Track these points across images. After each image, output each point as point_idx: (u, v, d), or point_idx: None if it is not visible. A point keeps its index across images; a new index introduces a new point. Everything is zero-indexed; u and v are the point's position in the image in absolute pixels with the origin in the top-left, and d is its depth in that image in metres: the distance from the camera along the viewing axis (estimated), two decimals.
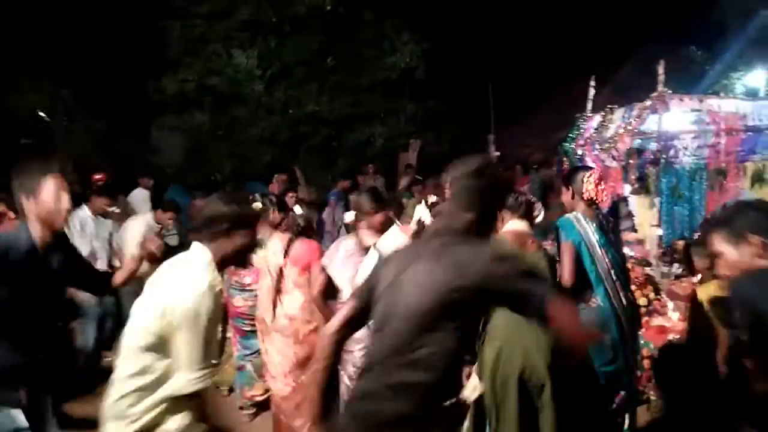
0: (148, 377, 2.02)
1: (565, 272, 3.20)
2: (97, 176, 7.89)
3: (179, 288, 2.02)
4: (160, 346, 2.02)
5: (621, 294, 3.27)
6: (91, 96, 11.38)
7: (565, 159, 6.77)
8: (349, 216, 3.58)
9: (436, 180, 9.37)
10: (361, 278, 2.96)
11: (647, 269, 4.96)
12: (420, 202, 5.35)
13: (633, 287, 4.66)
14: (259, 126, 12.02)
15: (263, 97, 11.86)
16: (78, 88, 11.29)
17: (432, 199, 3.61)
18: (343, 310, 1.99)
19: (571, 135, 6.28)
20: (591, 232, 3.27)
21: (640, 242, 5.34)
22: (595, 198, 3.34)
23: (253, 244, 2.31)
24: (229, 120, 12.11)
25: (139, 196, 7.91)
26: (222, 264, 2.18)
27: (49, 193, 2.53)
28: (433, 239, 1.87)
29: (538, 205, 3.54)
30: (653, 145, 5.18)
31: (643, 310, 4.41)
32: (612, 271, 3.25)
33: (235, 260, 2.24)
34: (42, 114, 10.99)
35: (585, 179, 3.34)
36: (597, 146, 5.73)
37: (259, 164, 12.14)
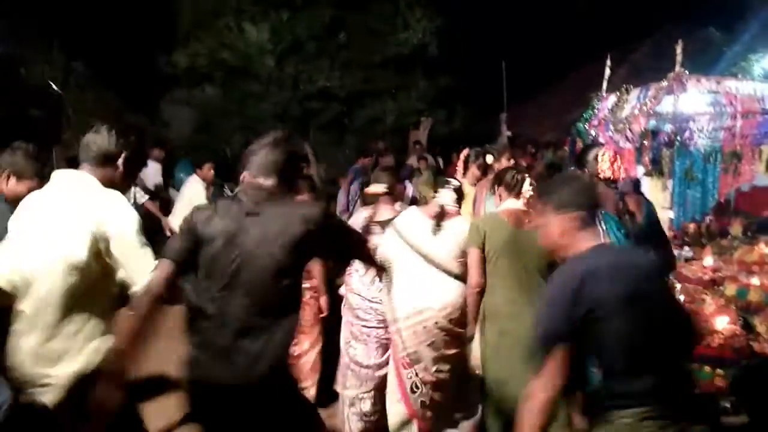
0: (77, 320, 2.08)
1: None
2: None
3: (104, 208, 2.10)
4: (88, 283, 2.08)
5: None
6: (103, 69, 11.36)
7: (578, 139, 6.70)
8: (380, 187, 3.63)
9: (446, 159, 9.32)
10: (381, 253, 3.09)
11: None
12: (427, 180, 5.35)
13: None
14: (269, 101, 11.99)
15: (274, 72, 11.81)
16: (89, 60, 11.27)
17: (453, 182, 3.56)
18: None
19: (585, 115, 6.20)
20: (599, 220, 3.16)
21: None
22: (611, 176, 3.24)
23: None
24: (240, 95, 12.09)
25: (151, 168, 7.92)
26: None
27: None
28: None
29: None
30: (668, 127, 5.11)
31: None
32: None
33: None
34: (53, 86, 10.99)
35: (600, 157, 3.25)
36: (611, 127, 5.66)
37: None
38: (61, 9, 10.73)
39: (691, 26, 11.16)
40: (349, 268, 3.70)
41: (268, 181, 2.15)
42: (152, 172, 7.83)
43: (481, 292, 3.20)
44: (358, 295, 3.58)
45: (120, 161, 2.25)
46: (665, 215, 5.17)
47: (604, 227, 3.06)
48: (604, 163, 3.22)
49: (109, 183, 2.21)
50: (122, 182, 2.29)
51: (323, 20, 11.76)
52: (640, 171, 5.51)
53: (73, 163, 2.36)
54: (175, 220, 4.61)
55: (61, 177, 2.23)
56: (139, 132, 2.44)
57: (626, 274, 1.89)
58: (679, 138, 5.06)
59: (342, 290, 3.87)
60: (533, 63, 13.68)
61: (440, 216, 3.35)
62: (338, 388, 3.70)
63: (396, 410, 3.34)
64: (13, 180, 2.77)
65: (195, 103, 12.40)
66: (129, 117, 12.09)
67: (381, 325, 3.51)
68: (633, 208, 3.21)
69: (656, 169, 5.27)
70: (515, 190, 3.30)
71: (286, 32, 11.64)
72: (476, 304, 3.23)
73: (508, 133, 12.06)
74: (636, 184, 5.68)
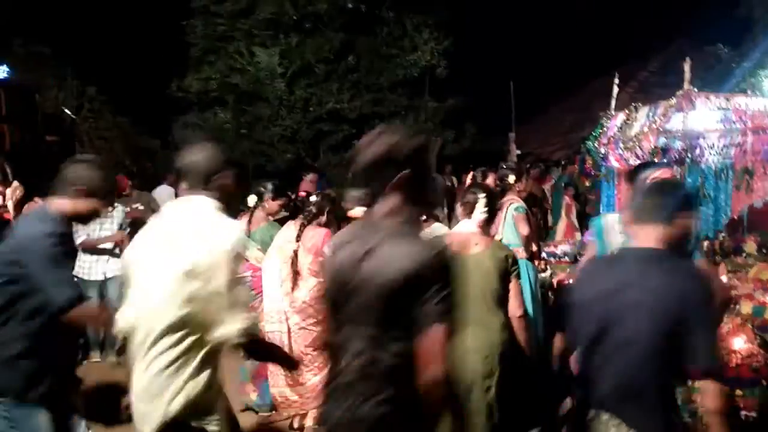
0: (180, 350, 1.94)
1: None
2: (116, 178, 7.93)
3: (206, 238, 1.93)
4: (189, 316, 1.92)
5: None
6: (116, 94, 11.56)
7: (587, 158, 6.69)
8: None
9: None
10: None
11: None
12: None
13: None
14: (280, 124, 12.11)
15: (285, 95, 11.94)
16: (103, 86, 11.47)
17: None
18: None
19: (594, 133, 6.20)
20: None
21: None
22: None
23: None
24: (251, 118, 12.22)
25: (165, 192, 7.99)
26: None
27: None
28: None
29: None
30: (678, 144, 5.09)
31: None
32: None
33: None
34: (67, 111, 11.17)
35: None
36: (621, 145, 5.65)
37: (281, 162, 12.24)
38: (74, 36, 10.95)
39: (700, 43, 11.19)
40: None
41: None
42: (165, 197, 7.90)
43: None
44: None
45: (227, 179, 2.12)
46: None
47: None
48: None
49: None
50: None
51: (332, 44, 11.91)
52: None
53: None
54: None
55: (177, 204, 2.13)
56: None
57: None
58: (689, 155, 5.04)
59: None
60: (541, 82, 13.76)
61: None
62: None
63: None
64: None
65: (207, 127, 12.53)
66: (142, 141, 12.28)
67: None
68: None
69: None
70: (468, 211, 3.20)
71: (296, 56, 11.80)
72: None
73: (518, 152, 12.09)
74: None
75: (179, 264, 1.91)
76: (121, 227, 5.49)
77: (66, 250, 2.35)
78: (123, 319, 2.05)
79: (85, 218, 2.50)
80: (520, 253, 4.17)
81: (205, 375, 1.97)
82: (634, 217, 2.08)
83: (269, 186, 4.85)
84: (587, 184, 8.47)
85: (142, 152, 11.87)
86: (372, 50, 12.44)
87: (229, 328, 1.91)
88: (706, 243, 4.99)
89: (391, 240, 1.68)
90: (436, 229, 3.50)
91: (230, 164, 2.14)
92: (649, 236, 1.98)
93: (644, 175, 3.09)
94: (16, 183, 4.55)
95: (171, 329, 1.92)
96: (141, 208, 6.12)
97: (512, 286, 3.07)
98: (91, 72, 11.30)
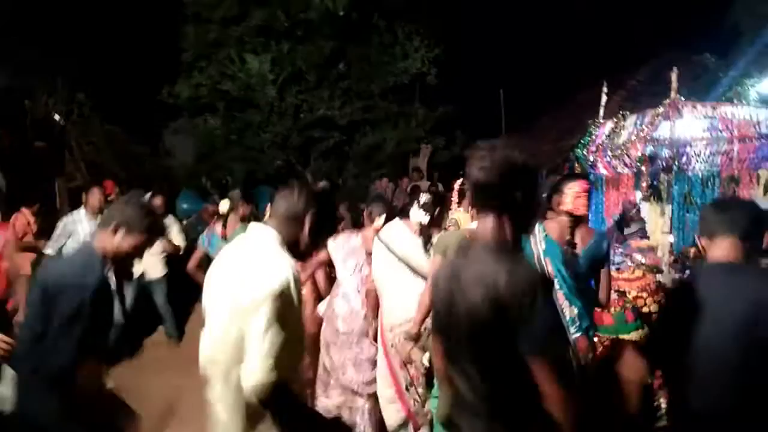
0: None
1: None
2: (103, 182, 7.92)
3: (261, 273, 1.88)
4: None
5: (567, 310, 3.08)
6: (106, 100, 11.49)
7: (576, 165, 6.75)
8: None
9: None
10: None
11: (659, 276, 4.93)
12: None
13: (644, 294, 4.65)
14: (271, 130, 12.11)
15: (275, 101, 11.94)
16: (92, 92, 11.40)
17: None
18: None
19: (582, 141, 6.27)
20: (540, 249, 3.12)
21: (652, 249, 5.31)
22: (571, 210, 3.14)
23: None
24: (242, 124, 12.21)
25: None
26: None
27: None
28: None
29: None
30: (666, 152, 5.16)
31: (654, 316, 4.39)
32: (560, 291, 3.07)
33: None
34: (57, 117, 11.10)
35: (566, 190, 3.15)
36: (609, 153, 5.71)
37: (271, 169, 12.24)
38: (64, 41, 10.90)
39: (687, 52, 11.29)
40: (336, 289, 3.85)
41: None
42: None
43: None
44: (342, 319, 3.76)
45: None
46: (665, 240, 5.19)
47: (548, 255, 3.07)
48: (568, 196, 3.18)
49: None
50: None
51: (324, 51, 11.93)
52: (638, 196, 5.55)
53: (76, 194, 2.36)
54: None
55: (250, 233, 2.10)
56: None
57: None
58: (676, 163, 5.10)
59: (321, 311, 3.99)
60: (530, 90, 13.83)
61: (423, 231, 3.57)
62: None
63: (391, 413, 3.53)
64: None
65: (197, 133, 12.51)
66: (131, 147, 12.22)
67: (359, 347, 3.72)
68: (577, 239, 3.19)
69: (655, 194, 5.31)
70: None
71: (287, 63, 11.80)
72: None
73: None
74: (635, 209, 5.73)
75: (234, 300, 1.90)
76: None
77: None
78: (202, 350, 2.05)
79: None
80: None
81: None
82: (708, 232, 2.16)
83: (237, 193, 5.40)
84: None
85: (132, 158, 11.80)
86: (363, 58, 12.47)
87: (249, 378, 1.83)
88: (692, 249, 5.05)
89: (494, 263, 1.65)
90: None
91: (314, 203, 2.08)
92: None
93: (566, 187, 3.16)
94: None
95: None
96: None
97: None
98: (81, 77, 11.22)
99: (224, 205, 5.36)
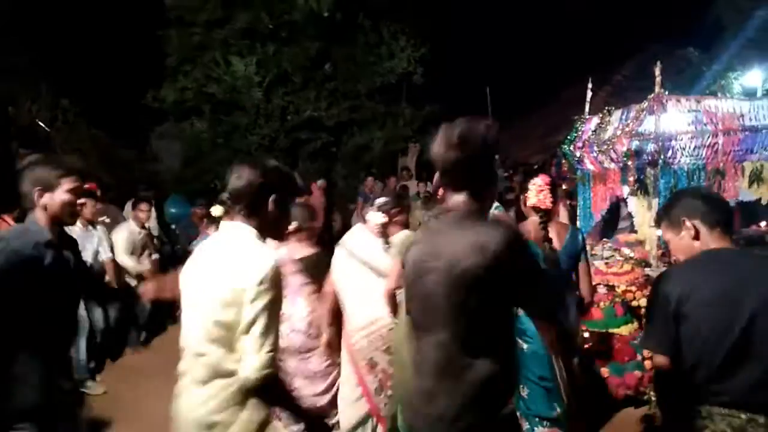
0: (222, 378, 1.90)
1: None
2: (87, 185, 7.86)
3: (246, 264, 1.87)
4: (230, 340, 1.87)
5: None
6: (91, 105, 11.39)
7: (563, 161, 6.78)
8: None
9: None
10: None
11: (647, 270, 4.97)
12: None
13: (633, 288, 4.67)
14: (258, 133, 12.06)
15: (262, 103, 11.89)
16: (77, 97, 11.31)
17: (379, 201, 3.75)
18: None
19: (569, 137, 6.29)
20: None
21: (640, 243, 5.34)
22: (537, 204, 3.27)
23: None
24: (229, 127, 12.14)
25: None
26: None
27: (69, 189, 2.38)
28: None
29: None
30: (651, 146, 5.19)
31: (642, 311, 4.41)
32: None
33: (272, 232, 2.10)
34: (41, 123, 11.00)
35: (531, 186, 3.29)
36: (595, 148, 5.74)
37: None
38: (48, 47, 10.80)
39: (670, 47, 11.39)
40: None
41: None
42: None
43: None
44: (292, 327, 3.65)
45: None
46: (653, 233, 5.22)
47: None
48: (531, 192, 3.29)
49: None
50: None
51: (309, 52, 11.89)
52: (625, 190, 5.58)
53: None
54: None
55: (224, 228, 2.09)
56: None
57: None
58: (662, 157, 5.14)
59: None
60: (517, 87, 13.89)
61: (383, 233, 3.57)
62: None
63: (352, 412, 3.47)
64: None
65: (184, 137, 12.43)
66: (118, 152, 12.12)
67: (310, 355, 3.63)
68: (553, 235, 3.27)
69: (641, 188, 5.34)
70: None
71: (272, 65, 11.76)
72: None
73: (495, 156, 12.15)
74: (622, 203, 5.75)
75: (222, 292, 1.88)
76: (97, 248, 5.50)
77: None
78: (186, 344, 2.04)
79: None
80: None
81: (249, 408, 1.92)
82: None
83: (226, 196, 5.08)
84: (564, 187, 8.57)
85: (118, 164, 11.70)
86: (349, 58, 12.45)
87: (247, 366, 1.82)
88: None
89: (476, 228, 1.69)
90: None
91: (271, 186, 2.03)
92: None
93: (530, 184, 3.31)
94: None
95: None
96: (107, 221, 6.02)
97: None
98: (66, 83, 11.12)
99: (217, 210, 5.37)
